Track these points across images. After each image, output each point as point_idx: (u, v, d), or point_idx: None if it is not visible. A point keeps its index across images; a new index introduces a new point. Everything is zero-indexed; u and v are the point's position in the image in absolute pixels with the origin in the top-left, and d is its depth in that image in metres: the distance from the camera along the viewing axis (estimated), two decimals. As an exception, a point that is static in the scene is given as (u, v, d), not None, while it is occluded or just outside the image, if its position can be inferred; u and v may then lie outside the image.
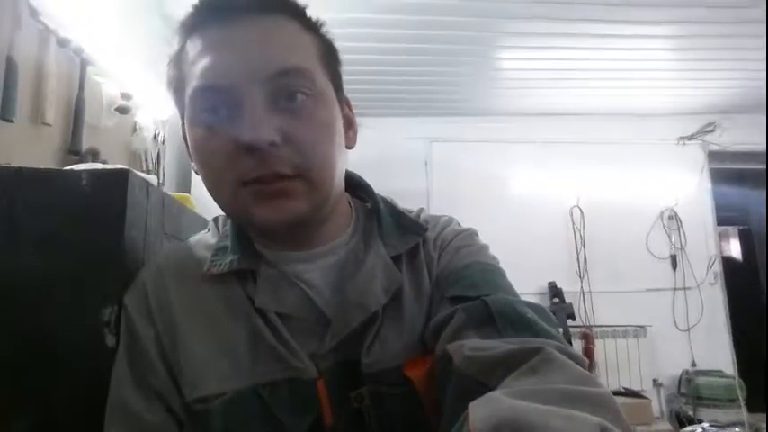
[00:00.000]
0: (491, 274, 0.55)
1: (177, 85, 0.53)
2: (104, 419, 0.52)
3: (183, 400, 0.52)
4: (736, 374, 3.18)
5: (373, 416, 0.51)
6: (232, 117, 0.48)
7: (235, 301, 0.54)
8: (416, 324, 0.55)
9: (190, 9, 0.52)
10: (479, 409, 0.33)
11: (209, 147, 0.50)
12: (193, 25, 0.52)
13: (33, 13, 1.23)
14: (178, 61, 0.53)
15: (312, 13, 0.55)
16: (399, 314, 0.55)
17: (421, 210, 0.65)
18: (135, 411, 0.51)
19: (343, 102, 0.58)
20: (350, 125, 0.60)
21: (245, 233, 0.58)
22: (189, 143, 0.53)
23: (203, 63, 0.49)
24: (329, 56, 0.56)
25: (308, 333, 0.53)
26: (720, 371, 3.22)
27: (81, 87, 1.43)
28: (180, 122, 0.56)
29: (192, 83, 0.50)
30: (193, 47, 0.51)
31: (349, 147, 0.59)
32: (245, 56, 0.48)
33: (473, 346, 0.43)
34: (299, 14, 0.53)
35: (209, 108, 0.49)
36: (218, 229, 0.62)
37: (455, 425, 0.34)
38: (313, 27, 0.55)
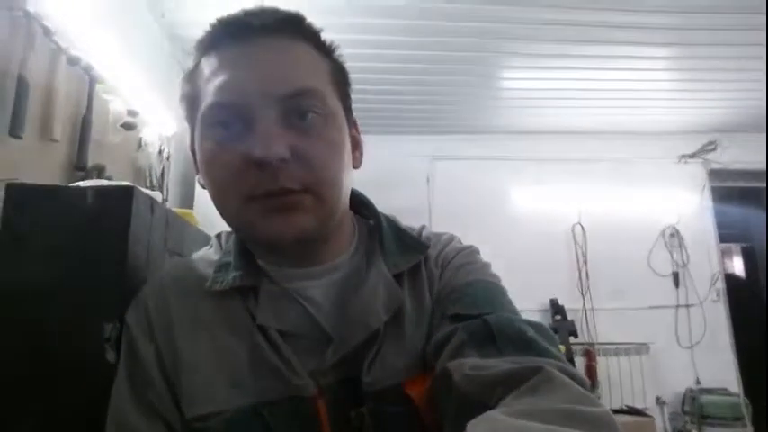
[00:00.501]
0: (492, 292, 0.56)
1: (190, 101, 0.55)
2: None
3: (182, 417, 0.52)
4: (741, 392, 3.14)
5: None
6: (244, 133, 0.49)
7: (236, 317, 0.55)
8: (417, 342, 0.55)
9: (205, 29, 0.54)
10: (477, 429, 0.33)
11: (220, 160, 0.50)
12: (210, 43, 0.53)
13: (47, 32, 1.26)
14: (193, 78, 0.55)
15: (324, 36, 0.56)
16: (400, 332, 0.55)
17: (423, 227, 0.66)
18: (135, 428, 0.51)
19: (352, 123, 0.60)
20: (356, 146, 0.61)
21: (247, 250, 0.58)
22: (198, 157, 0.54)
23: (218, 80, 0.50)
24: (340, 79, 0.57)
25: (308, 350, 0.53)
26: (725, 389, 3.18)
27: (89, 104, 1.46)
28: (188, 137, 0.57)
29: (207, 99, 0.51)
30: (209, 64, 0.52)
31: (355, 167, 0.60)
32: (261, 75, 0.50)
33: (473, 364, 0.44)
34: (314, 37, 0.55)
35: (222, 123, 0.50)
36: (221, 246, 0.62)
37: None
38: (326, 50, 0.56)
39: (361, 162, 0.62)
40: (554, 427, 0.31)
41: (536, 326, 0.50)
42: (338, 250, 0.59)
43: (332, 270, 0.58)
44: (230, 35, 0.52)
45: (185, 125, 0.58)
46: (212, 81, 0.51)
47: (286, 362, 0.52)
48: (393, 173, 3.28)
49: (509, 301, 0.56)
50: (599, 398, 2.95)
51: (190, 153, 0.56)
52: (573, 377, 0.40)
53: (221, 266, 0.57)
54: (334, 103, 0.54)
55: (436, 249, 0.62)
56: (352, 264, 0.59)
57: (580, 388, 0.39)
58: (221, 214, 0.53)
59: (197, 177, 0.57)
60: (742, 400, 2.96)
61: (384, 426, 0.51)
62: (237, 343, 0.53)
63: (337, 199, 0.53)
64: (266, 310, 0.54)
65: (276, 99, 0.49)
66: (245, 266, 0.56)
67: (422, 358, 0.54)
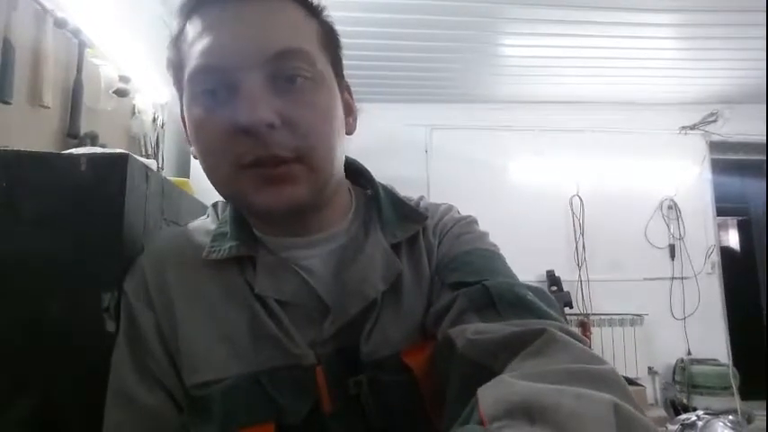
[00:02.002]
0: (491, 259, 0.56)
1: (176, 67, 0.53)
2: (105, 404, 0.52)
3: (183, 385, 0.52)
4: (730, 363, 3.22)
5: (372, 403, 0.51)
6: (230, 98, 0.47)
7: (234, 287, 0.54)
8: (416, 312, 0.55)
9: None
10: (489, 393, 0.33)
11: (207, 128, 0.49)
12: (193, 6, 0.51)
13: (29, -9, 1.21)
14: (178, 43, 0.53)
15: None
16: (399, 302, 0.55)
17: (421, 198, 0.65)
18: (135, 396, 0.51)
19: (344, 87, 0.58)
20: (350, 111, 0.59)
21: (244, 219, 0.57)
22: (187, 125, 0.53)
23: (202, 43, 0.48)
24: (330, 40, 0.55)
25: (307, 320, 0.53)
26: (715, 359, 3.25)
27: (79, 69, 1.42)
28: (179, 105, 0.55)
29: (191, 64, 0.49)
30: (193, 28, 0.50)
31: (349, 133, 0.58)
32: (245, 37, 0.48)
33: (476, 329, 0.44)
34: None
35: (208, 89, 0.49)
36: (218, 215, 0.62)
37: (463, 411, 0.34)
38: (314, 10, 0.54)
39: (354, 128, 0.60)
40: (563, 386, 0.31)
41: (535, 290, 0.49)
42: (334, 219, 0.58)
43: (329, 239, 0.57)
44: None
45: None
46: (196, 45, 0.49)
47: (285, 331, 0.52)
48: (391, 142, 3.25)
49: (508, 268, 0.55)
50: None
51: (183, 113, 0.54)
52: (575, 337, 0.40)
53: (218, 236, 0.57)
54: (324, 66, 0.52)
55: (434, 219, 0.61)
56: (350, 233, 0.58)
57: (584, 347, 0.39)
58: (213, 184, 0.52)
59: (190, 149, 0.56)
60: (731, 370, 3.03)
61: (382, 394, 0.51)
62: (236, 312, 0.53)
63: (330, 167, 0.52)
64: (264, 279, 0.54)
65: (261, 61, 0.47)
66: (242, 236, 0.55)
67: (421, 328, 0.54)
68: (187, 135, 0.54)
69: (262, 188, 0.49)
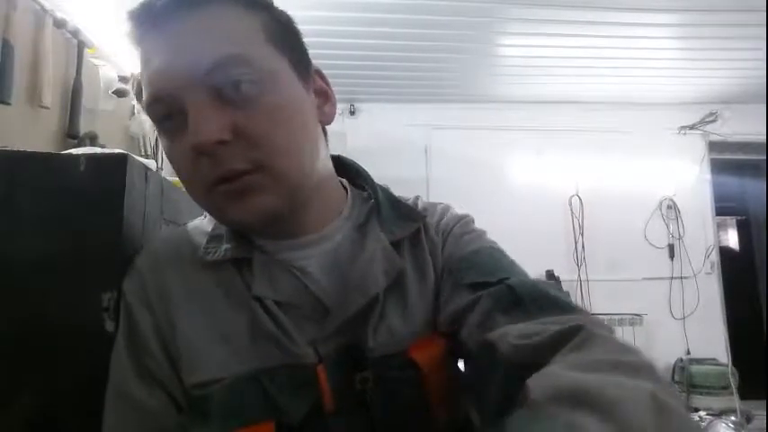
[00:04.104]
0: (502, 256, 0.57)
1: (141, 96, 0.53)
2: (104, 404, 0.52)
3: (182, 385, 0.52)
4: (729, 363, 3.22)
5: (377, 400, 0.51)
6: (183, 122, 0.47)
7: (232, 287, 0.54)
8: (421, 309, 0.56)
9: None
10: (536, 383, 0.34)
11: (172, 155, 0.50)
12: (134, 37, 0.51)
13: (29, -8, 1.21)
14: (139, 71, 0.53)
15: None
16: (403, 299, 0.56)
17: (417, 197, 0.66)
18: (134, 397, 0.51)
19: (312, 75, 0.56)
20: (326, 98, 0.58)
21: None
22: None
23: (146, 74, 0.49)
24: (280, 31, 0.52)
25: (306, 320, 0.53)
26: (714, 359, 3.25)
27: (78, 70, 1.42)
28: None
29: (144, 95, 0.50)
30: (140, 58, 0.51)
31: (326, 122, 0.57)
32: (178, 57, 0.47)
33: (518, 334, 0.44)
34: None
35: (162, 117, 0.49)
36: None
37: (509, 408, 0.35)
38: (254, 5, 0.51)
39: (332, 116, 0.59)
40: (606, 376, 0.33)
41: (550, 284, 0.51)
42: (324, 219, 0.58)
43: (323, 239, 0.57)
44: (146, 24, 0.49)
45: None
46: (144, 75, 0.49)
47: (284, 330, 0.52)
48: (390, 142, 3.25)
49: (516, 264, 0.57)
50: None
51: None
52: (607, 330, 0.42)
53: (214, 237, 0.57)
54: (274, 62, 0.50)
55: (435, 217, 0.62)
56: (345, 232, 0.58)
57: (619, 340, 0.41)
58: (198, 205, 0.54)
59: None
60: (730, 369, 3.03)
61: (389, 390, 0.52)
62: (235, 312, 0.53)
63: (298, 167, 0.51)
64: (261, 281, 0.54)
65: (199, 78, 0.46)
66: (237, 238, 0.56)
67: (426, 325, 0.55)
68: None
69: (230, 204, 0.49)
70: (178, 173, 0.51)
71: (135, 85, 0.55)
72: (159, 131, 0.51)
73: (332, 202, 0.60)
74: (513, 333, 0.44)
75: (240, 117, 0.47)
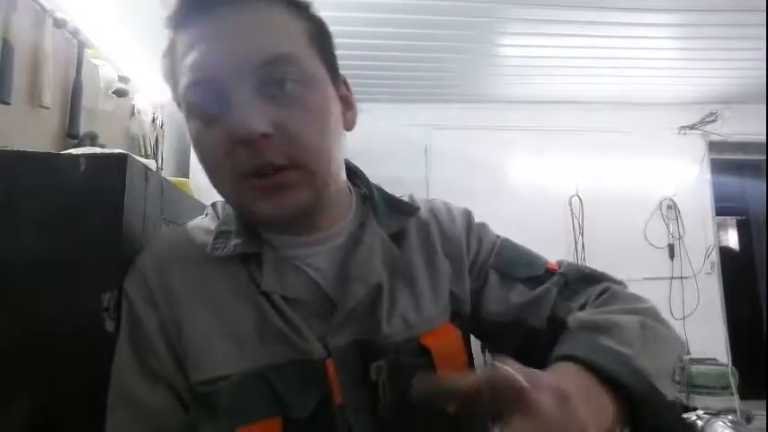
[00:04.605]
0: (518, 247, 0.67)
1: (171, 80, 0.54)
2: (106, 404, 0.52)
3: (188, 382, 0.52)
4: (729, 363, 3.21)
5: (389, 389, 0.52)
6: (223, 111, 0.48)
7: (239, 284, 0.55)
8: (430, 297, 0.58)
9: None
10: (574, 318, 0.53)
11: (206, 143, 0.50)
12: (177, 21, 0.51)
13: (29, -8, 1.21)
14: (170, 54, 0.53)
15: None
16: (413, 289, 0.58)
17: (410, 196, 0.68)
18: (138, 396, 0.51)
19: (340, 82, 0.58)
20: (349, 106, 0.60)
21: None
22: (188, 137, 0.54)
23: (190, 59, 0.49)
24: (320, 37, 0.55)
25: (314, 315, 0.54)
26: (714, 359, 3.25)
27: (78, 70, 1.41)
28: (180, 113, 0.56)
29: (183, 79, 0.50)
30: (181, 42, 0.51)
31: (348, 128, 0.59)
32: (230, 48, 0.48)
33: (579, 313, 0.56)
34: None
35: (201, 103, 0.50)
36: (218, 215, 0.62)
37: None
38: (300, 9, 0.54)
39: (354, 123, 0.61)
40: (614, 315, 0.52)
41: (571, 263, 0.64)
42: (337, 217, 0.60)
43: (332, 237, 0.58)
44: (197, 9, 0.50)
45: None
46: (185, 59, 0.50)
47: (292, 326, 0.52)
48: (390, 142, 3.25)
49: (525, 247, 0.68)
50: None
51: (185, 122, 0.55)
52: (622, 285, 0.62)
53: (221, 233, 0.57)
54: (315, 65, 0.53)
55: (444, 215, 0.65)
56: (350, 229, 0.60)
57: (632, 294, 0.59)
58: (219, 193, 0.54)
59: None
60: (730, 369, 3.03)
61: (402, 377, 0.52)
62: (242, 308, 0.54)
63: (327, 168, 0.53)
64: (270, 277, 0.54)
65: (249, 71, 0.48)
66: (247, 234, 0.56)
67: (438, 314, 0.58)
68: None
69: (263, 197, 0.50)
70: (205, 159, 0.52)
71: (166, 65, 0.54)
72: (191, 115, 0.51)
73: (343, 202, 0.61)
74: (574, 307, 0.58)
75: (281, 113, 0.49)
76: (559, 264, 0.64)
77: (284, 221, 0.52)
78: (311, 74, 0.51)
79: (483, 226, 0.68)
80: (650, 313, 0.54)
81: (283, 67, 0.49)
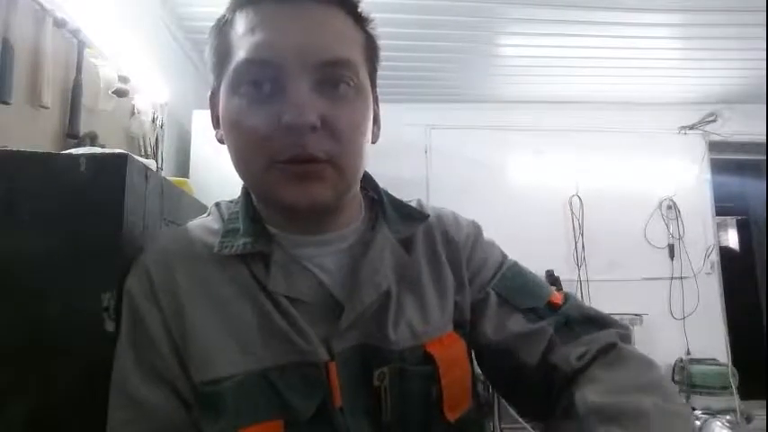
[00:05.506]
0: (525, 273, 0.66)
1: (220, 54, 0.54)
2: (107, 404, 0.51)
3: (190, 382, 0.52)
4: (729, 363, 3.21)
5: (392, 395, 0.52)
6: (274, 94, 0.50)
7: (243, 284, 0.54)
8: (436, 306, 0.58)
9: None
10: (581, 399, 0.49)
11: (248, 121, 0.50)
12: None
13: (29, -8, 1.21)
14: (224, 30, 0.54)
15: (361, 7, 0.57)
16: (420, 297, 0.58)
17: (419, 201, 0.68)
18: (139, 396, 0.51)
19: (375, 98, 0.60)
20: (376, 121, 0.61)
21: (256, 216, 0.58)
22: (222, 113, 0.54)
23: (255, 38, 0.50)
24: (372, 52, 0.58)
25: (319, 317, 0.54)
26: (714, 359, 3.25)
27: (78, 70, 1.42)
28: (210, 89, 0.58)
29: (240, 55, 0.51)
30: (245, 19, 0.52)
31: (373, 142, 0.60)
32: (299, 39, 0.50)
33: (574, 356, 0.55)
34: (352, 8, 0.55)
35: (253, 82, 0.50)
36: (221, 215, 0.61)
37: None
38: (362, 22, 0.57)
39: (377, 138, 0.62)
40: (628, 396, 0.48)
41: (577, 301, 0.62)
42: (349, 220, 0.60)
43: (341, 239, 0.59)
44: None
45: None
46: (247, 37, 0.51)
47: (296, 328, 0.52)
48: (390, 142, 3.22)
49: (533, 273, 0.67)
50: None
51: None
52: (629, 340, 0.57)
53: (228, 232, 0.57)
54: (365, 77, 0.55)
55: (451, 224, 0.65)
56: (360, 232, 0.60)
57: (641, 357, 0.54)
58: (242, 174, 0.54)
59: (215, 132, 0.58)
60: (730, 369, 3.03)
61: (404, 385, 0.53)
62: (246, 309, 0.53)
63: (356, 171, 0.55)
64: (278, 277, 0.54)
65: (312, 66, 0.50)
66: (255, 232, 0.56)
67: (443, 323, 0.58)
68: (214, 120, 0.57)
69: (291, 184, 0.50)
70: (239, 137, 0.52)
71: (217, 38, 0.55)
72: (239, 91, 0.51)
73: (355, 205, 0.62)
74: (572, 355, 0.55)
75: (330, 111, 0.50)
76: (565, 297, 0.62)
77: (304, 212, 0.52)
78: (362, 82, 0.54)
79: (491, 244, 0.67)
80: (662, 386, 0.50)
81: (342, 70, 0.51)
